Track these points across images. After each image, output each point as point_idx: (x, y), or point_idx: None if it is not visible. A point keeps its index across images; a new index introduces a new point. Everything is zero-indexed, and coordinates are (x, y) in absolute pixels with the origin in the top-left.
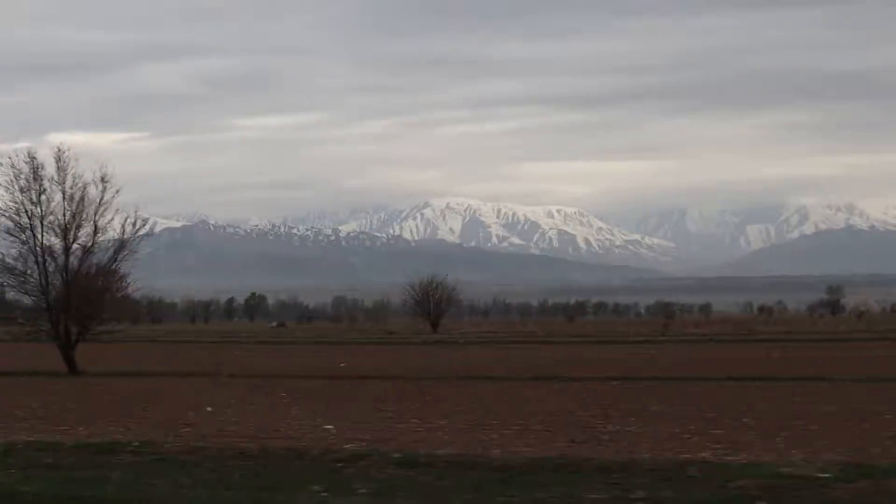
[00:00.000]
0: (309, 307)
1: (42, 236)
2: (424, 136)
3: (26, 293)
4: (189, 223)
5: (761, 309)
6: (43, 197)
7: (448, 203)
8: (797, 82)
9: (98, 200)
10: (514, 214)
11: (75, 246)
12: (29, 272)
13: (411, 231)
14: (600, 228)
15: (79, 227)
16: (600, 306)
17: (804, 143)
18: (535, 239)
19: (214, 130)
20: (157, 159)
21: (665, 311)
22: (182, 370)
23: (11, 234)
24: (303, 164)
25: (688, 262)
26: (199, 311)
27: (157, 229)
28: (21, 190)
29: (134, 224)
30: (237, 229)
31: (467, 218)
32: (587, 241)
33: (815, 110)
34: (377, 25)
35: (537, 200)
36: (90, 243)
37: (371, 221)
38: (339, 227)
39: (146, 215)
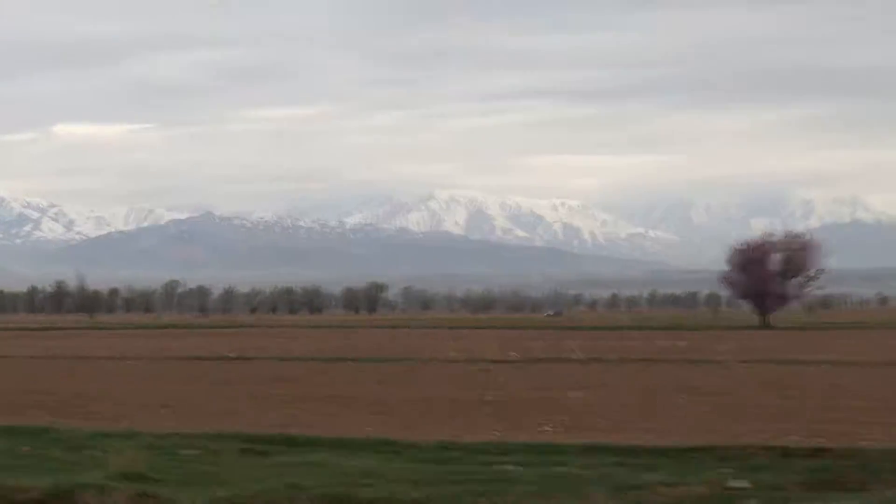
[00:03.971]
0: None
1: None
2: (431, 128)
3: None
4: (195, 214)
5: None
6: None
7: (453, 195)
8: (804, 78)
9: None
10: (518, 207)
11: None
12: None
13: (417, 223)
14: (605, 221)
15: None
16: (692, 297)
17: (809, 137)
18: (539, 231)
19: (221, 122)
20: (164, 151)
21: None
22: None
23: None
24: (309, 156)
25: (694, 254)
26: (262, 303)
27: (163, 221)
28: None
29: None
30: (243, 221)
31: (472, 210)
32: (592, 234)
33: (820, 105)
34: (386, 18)
35: (542, 194)
36: None
37: (377, 213)
38: (345, 220)
39: (152, 207)
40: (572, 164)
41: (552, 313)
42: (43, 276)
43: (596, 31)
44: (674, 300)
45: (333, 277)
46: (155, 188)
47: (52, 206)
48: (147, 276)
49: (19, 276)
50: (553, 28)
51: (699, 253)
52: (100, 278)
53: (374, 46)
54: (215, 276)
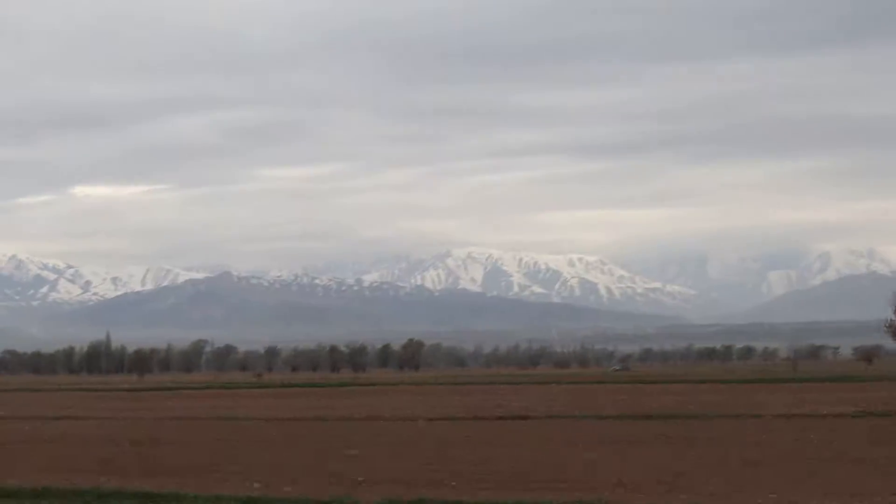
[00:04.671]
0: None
1: None
2: (446, 185)
3: None
4: (212, 274)
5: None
6: None
7: (469, 252)
8: (817, 128)
9: None
10: (535, 263)
11: None
12: None
13: (433, 281)
14: (621, 276)
15: None
16: (728, 350)
17: (824, 189)
18: (556, 287)
19: (236, 181)
20: (180, 211)
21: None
22: None
23: None
24: (324, 214)
25: (711, 308)
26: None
27: (181, 281)
28: None
29: None
30: (260, 280)
31: (489, 267)
32: (608, 290)
33: (834, 156)
34: (400, 76)
35: (558, 249)
36: None
37: (393, 271)
38: (362, 277)
39: (169, 267)
40: (587, 219)
41: (618, 368)
42: (60, 338)
43: (608, 86)
44: (709, 353)
45: (352, 336)
46: (171, 248)
47: (69, 267)
48: (166, 336)
49: (36, 339)
50: (566, 83)
51: (716, 307)
52: (118, 339)
53: (388, 104)
54: (234, 335)
